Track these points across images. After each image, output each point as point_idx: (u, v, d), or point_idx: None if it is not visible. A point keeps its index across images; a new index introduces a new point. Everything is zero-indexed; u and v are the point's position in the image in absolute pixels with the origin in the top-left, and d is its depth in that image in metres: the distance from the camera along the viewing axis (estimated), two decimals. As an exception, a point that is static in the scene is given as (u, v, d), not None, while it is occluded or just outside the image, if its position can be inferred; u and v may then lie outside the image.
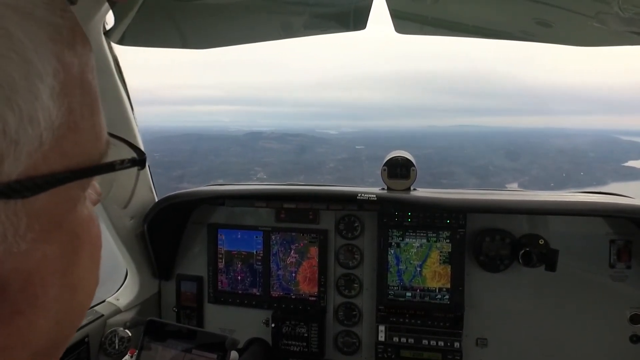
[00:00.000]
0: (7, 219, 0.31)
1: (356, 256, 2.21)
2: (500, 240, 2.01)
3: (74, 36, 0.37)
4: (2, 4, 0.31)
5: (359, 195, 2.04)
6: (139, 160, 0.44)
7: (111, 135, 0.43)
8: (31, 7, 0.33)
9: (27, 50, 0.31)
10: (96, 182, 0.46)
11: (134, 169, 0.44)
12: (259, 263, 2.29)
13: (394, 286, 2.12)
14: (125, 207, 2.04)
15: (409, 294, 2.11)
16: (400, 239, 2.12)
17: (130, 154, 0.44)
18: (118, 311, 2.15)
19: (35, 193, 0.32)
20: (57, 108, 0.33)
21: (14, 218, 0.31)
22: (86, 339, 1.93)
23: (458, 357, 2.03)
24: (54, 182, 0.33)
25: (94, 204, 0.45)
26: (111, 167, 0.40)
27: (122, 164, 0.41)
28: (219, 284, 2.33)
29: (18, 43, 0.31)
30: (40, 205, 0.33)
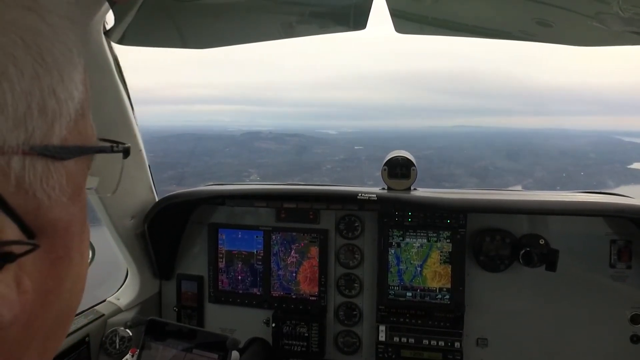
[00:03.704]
0: (56, 175, 0.39)
1: (356, 256, 2.21)
2: (501, 240, 2.01)
3: (82, 43, 0.45)
4: (57, 16, 0.40)
5: (360, 195, 2.04)
6: (124, 149, 0.55)
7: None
8: (72, 15, 0.42)
9: (70, 42, 0.41)
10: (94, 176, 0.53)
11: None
12: (260, 263, 2.29)
13: (394, 286, 2.12)
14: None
15: (409, 293, 2.11)
16: (401, 238, 2.12)
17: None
18: (119, 311, 2.15)
19: (71, 157, 0.40)
20: (81, 93, 0.42)
21: (58, 176, 0.39)
22: (87, 339, 1.93)
23: (458, 357, 2.03)
24: (80, 152, 0.42)
25: None
26: (109, 149, 0.51)
27: (117, 147, 0.52)
28: (220, 283, 2.33)
29: (64, 36, 0.40)
30: (71, 170, 0.41)
